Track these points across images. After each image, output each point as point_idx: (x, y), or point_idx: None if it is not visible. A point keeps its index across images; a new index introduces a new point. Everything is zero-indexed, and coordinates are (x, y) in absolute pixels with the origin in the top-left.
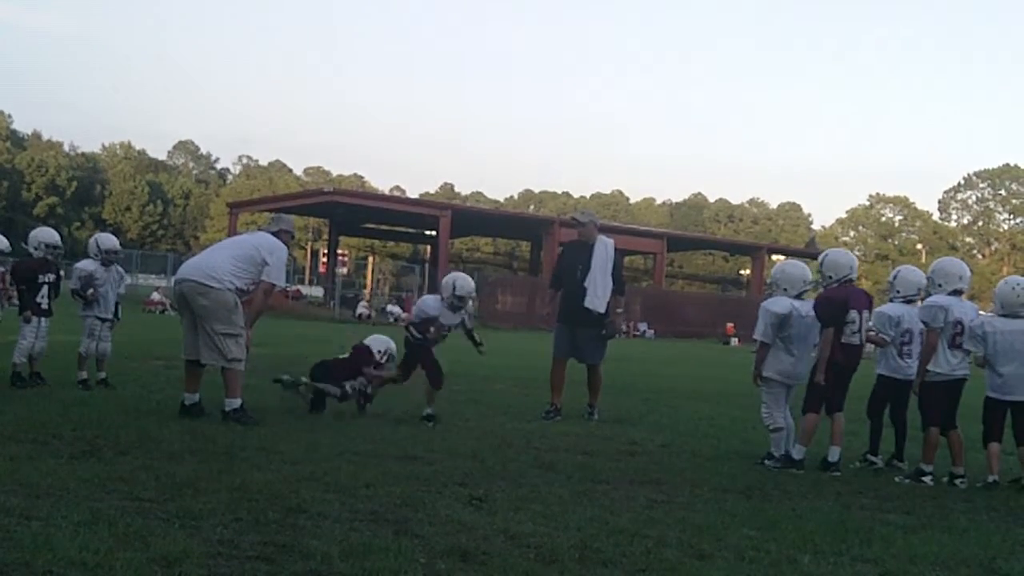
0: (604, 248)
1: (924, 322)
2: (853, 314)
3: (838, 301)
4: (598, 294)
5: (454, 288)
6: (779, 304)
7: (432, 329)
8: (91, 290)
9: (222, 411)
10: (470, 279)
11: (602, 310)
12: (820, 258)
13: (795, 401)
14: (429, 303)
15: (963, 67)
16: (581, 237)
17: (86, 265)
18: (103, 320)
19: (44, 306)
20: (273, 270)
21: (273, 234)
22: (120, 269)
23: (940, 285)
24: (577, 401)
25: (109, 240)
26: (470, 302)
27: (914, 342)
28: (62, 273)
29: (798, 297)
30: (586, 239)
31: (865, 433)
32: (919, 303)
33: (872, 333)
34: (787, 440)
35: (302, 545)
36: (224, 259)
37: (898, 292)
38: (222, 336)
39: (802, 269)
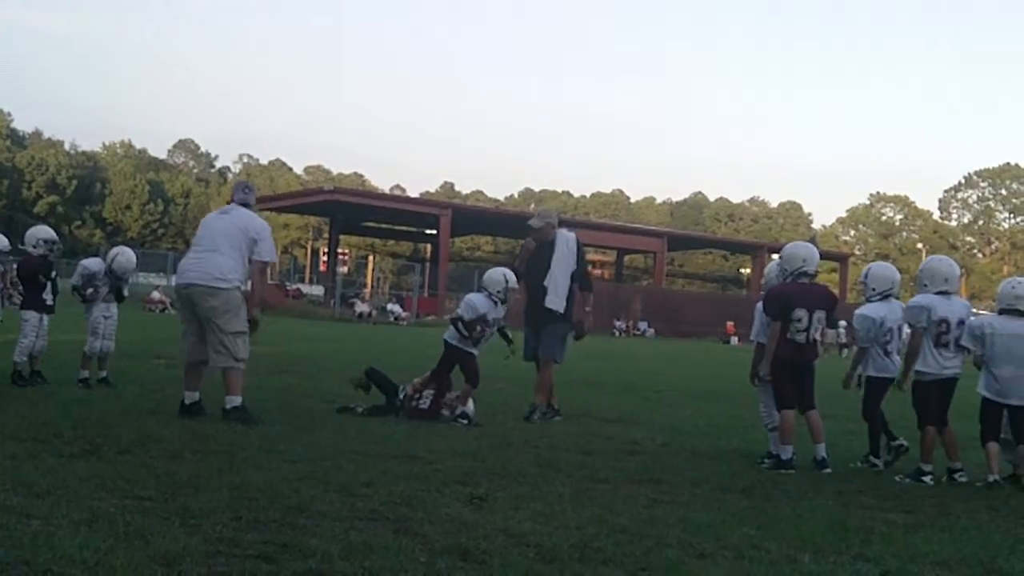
0: (565, 244)
1: (908, 322)
2: (799, 312)
3: (782, 297)
4: (559, 293)
5: (507, 281)
6: None
7: (478, 328)
8: (91, 290)
9: (223, 409)
10: None
11: (561, 309)
12: (780, 253)
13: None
14: (478, 300)
15: (963, 67)
16: (538, 239)
17: (92, 264)
18: (107, 316)
19: (49, 302)
20: (262, 248)
21: (244, 204)
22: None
23: (926, 285)
24: (577, 401)
25: (122, 262)
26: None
27: (894, 339)
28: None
29: None
30: (544, 240)
31: (865, 431)
32: (893, 299)
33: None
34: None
35: (302, 544)
36: (226, 257)
37: (874, 290)
38: (232, 335)
39: None
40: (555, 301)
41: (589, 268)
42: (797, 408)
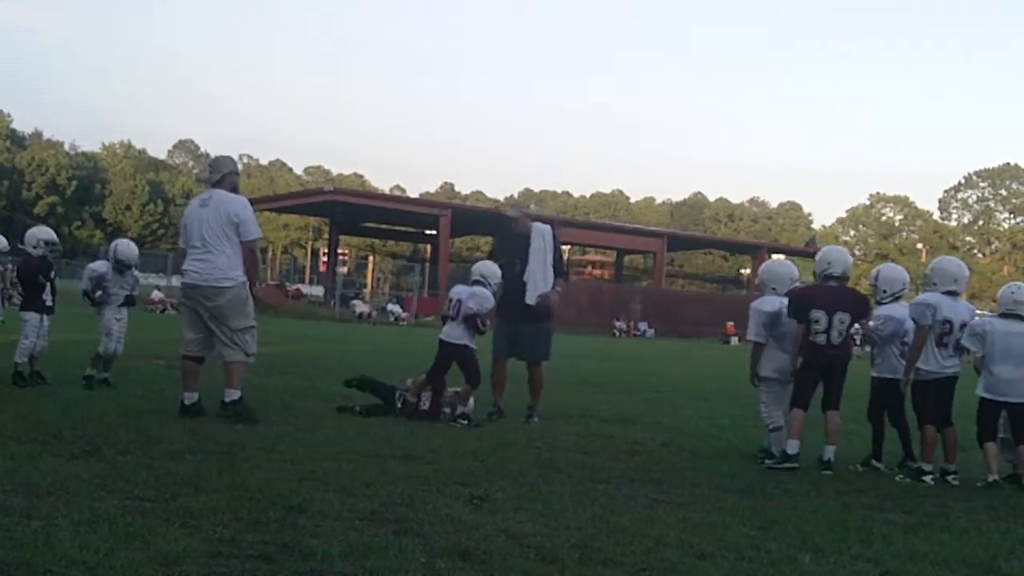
0: (541, 238)
1: (913, 319)
2: (816, 314)
3: (802, 298)
4: (538, 289)
5: (500, 273)
6: (768, 303)
7: (487, 322)
8: (99, 292)
9: (221, 402)
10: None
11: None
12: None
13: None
14: (486, 294)
15: (963, 67)
16: (515, 231)
17: (98, 266)
18: (118, 318)
19: (49, 303)
20: (245, 229)
21: (218, 183)
22: (136, 273)
23: (935, 284)
24: (577, 402)
25: (126, 252)
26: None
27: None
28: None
29: (788, 295)
30: (521, 232)
31: (867, 432)
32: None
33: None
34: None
35: (302, 544)
36: (223, 255)
37: (885, 292)
38: (241, 332)
39: (789, 267)
40: (535, 298)
41: (566, 260)
42: (821, 407)
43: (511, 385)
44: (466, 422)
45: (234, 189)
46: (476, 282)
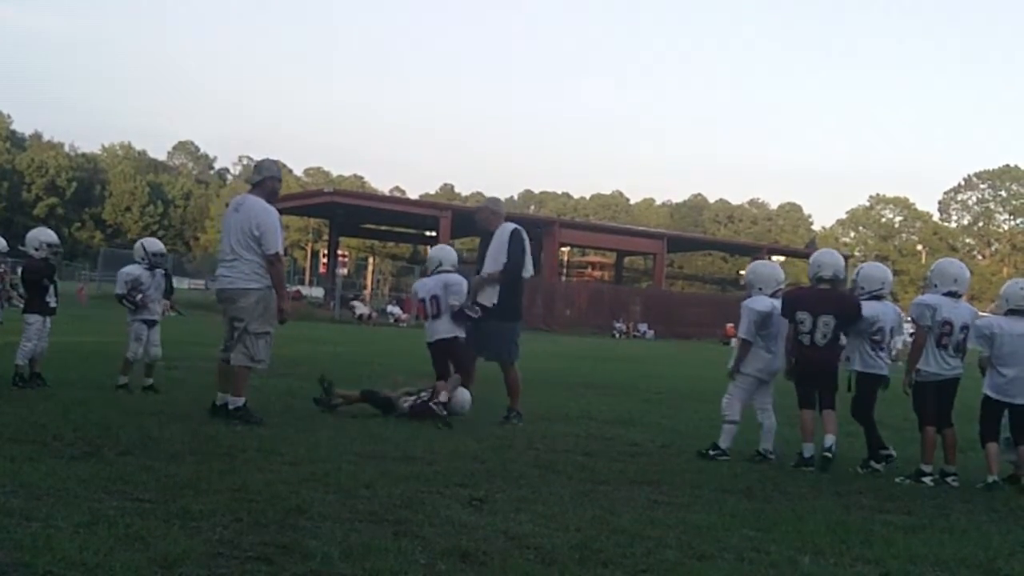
0: (500, 236)
1: (913, 320)
2: (801, 315)
3: (789, 299)
4: (487, 290)
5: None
6: (761, 303)
7: (477, 305)
8: (140, 296)
9: (226, 408)
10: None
11: (493, 301)
12: None
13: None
14: (459, 280)
15: (963, 67)
16: (480, 227)
17: (132, 270)
18: (150, 324)
19: (52, 304)
20: (264, 240)
21: (257, 184)
22: (161, 274)
23: (936, 285)
24: (577, 403)
25: (155, 244)
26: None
27: (885, 339)
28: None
29: (773, 296)
30: (487, 227)
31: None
32: (888, 299)
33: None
34: (771, 437)
35: (302, 546)
36: (246, 263)
37: (863, 289)
38: (254, 336)
39: (774, 268)
40: (484, 294)
41: (526, 261)
42: (818, 408)
43: (495, 385)
44: (445, 414)
45: (273, 193)
46: (441, 270)
